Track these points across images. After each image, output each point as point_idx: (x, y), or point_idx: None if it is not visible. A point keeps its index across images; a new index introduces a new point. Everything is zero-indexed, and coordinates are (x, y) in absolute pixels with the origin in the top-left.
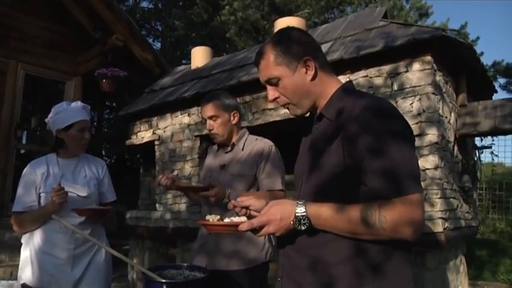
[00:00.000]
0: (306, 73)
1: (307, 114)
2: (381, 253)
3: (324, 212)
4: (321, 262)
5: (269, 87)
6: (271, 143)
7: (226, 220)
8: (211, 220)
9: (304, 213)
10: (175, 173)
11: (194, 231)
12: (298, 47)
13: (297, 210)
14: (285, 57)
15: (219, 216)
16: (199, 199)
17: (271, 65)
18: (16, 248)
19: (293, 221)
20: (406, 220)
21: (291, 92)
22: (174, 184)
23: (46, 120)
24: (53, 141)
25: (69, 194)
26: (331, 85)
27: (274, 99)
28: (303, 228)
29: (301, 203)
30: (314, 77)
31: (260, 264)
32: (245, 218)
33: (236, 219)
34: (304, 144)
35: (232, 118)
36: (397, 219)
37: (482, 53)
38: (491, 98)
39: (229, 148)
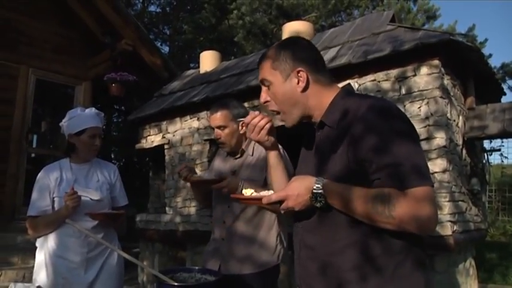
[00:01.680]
0: (298, 84)
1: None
2: (395, 258)
3: (339, 192)
4: (334, 268)
5: (263, 89)
6: (280, 146)
7: (254, 194)
8: (244, 194)
9: (321, 191)
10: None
11: (204, 234)
12: (294, 58)
13: (314, 187)
14: (280, 64)
15: (252, 190)
16: (208, 200)
17: (267, 68)
18: (28, 250)
19: (310, 197)
20: (412, 213)
21: (280, 99)
22: (191, 176)
23: (60, 124)
24: (65, 145)
25: (82, 198)
26: (327, 95)
27: (265, 103)
28: (318, 205)
29: (320, 180)
30: (305, 89)
31: (272, 267)
32: (272, 192)
33: (264, 193)
34: (304, 152)
35: (240, 128)
36: (405, 211)
37: (490, 55)
38: (500, 101)
39: (239, 154)
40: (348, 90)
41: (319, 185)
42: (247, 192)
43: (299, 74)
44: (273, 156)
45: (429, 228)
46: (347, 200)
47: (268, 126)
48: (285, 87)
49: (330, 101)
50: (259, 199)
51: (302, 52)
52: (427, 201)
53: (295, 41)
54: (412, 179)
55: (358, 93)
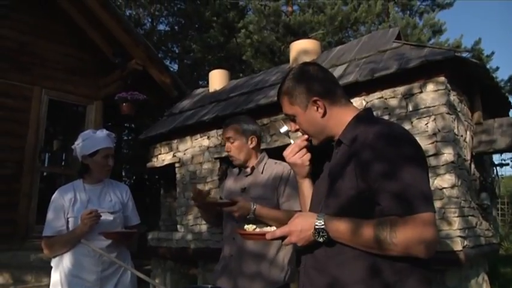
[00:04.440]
0: (317, 111)
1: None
2: (399, 273)
3: (340, 226)
4: (339, 281)
5: (290, 121)
6: (290, 167)
7: (257, 230)
8: (247, 229)
9: (323, 226)
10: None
11: (215, 251)
12: (307, 89)
13: (316, 223)
14: (297, 98)
15: (254, 226)
16: (215, 220)
17: (287, 104)
18: (41, 269)
19: (313, 233)
20: (417, 238)
21: (306, 128)
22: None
23: (73, 146)
24: (79, 166)
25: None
26: (346, 114)
27: (296, 131)
28: (321, 240)
29: (321, 216)
30: (324, 114)
31: (281, 286)
32: (275, 228)
33: (267, 229)
34: (325, 169)
35: (250, 142)
36: (409, 237)
37: (497, 68)
38: (508, 115)
39: (249, 171)
40: (362, 115)
41: (321, 221)
42: (249, 227)
43: (316, 103)
44: (307, 185)
45: (433, 252)
46: (349, 233)
47: (304, 147)
48: (307, 117)
49: (349, 119)
50: (263, 234)
51: (314, 81)
52: (431, 226)
53: (305, 70)
54: (418, 205)
55: (372, 117)
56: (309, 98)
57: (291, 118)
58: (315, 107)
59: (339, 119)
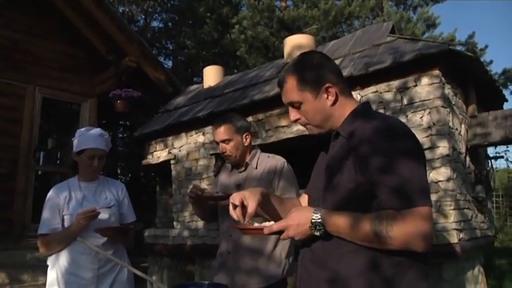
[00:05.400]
0: (327, 98)
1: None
2: (397, 266)
3: (337, 220)
4: (337, 275)
5: (291, 109)
6: (283, 160)
7: (256, 224)
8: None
9: (320, 220)
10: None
11: (212, 248)
12: (320, 74)
13: (313, 217)
14: (307, 84)
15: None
16: (209, 215)
17: (294, 90)
18: (38, 268)
19: (310, 227)
20: (415, 232)
21: (312, 116)
22: (201, 197)
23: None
24: (71, 161)
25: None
26: (349, 105)
27: (296, 121)
28: (318, 234)
29: (318, 210)
30: (334, 102)
31: (279, 280)
32: (273, 223)
33: (265, 223)
34: (321, 162)
35: (244, 140)
36: (406, 231)
37: (491, 61)
38: (502, 108)
39: (243, 167)
40: (361, 109)
41: (318, 215)
42: (246, 222)
43: (328, 90)
44: (275, 204)
45: (430, 246)
46: (346, 227)
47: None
48: (316, 105)
49: (349, 112)
50: (261, 229)
51: (324, 67)
52: (428, 219)
53: (314, 57)
54: (416, 199)
55: (371, 111)
56: (321, 84)
57: (295, 105)
58: (326, 95)
59: (343, 110)
